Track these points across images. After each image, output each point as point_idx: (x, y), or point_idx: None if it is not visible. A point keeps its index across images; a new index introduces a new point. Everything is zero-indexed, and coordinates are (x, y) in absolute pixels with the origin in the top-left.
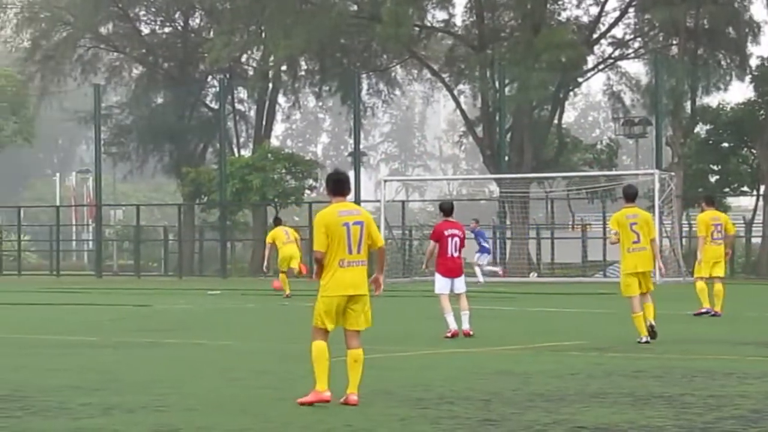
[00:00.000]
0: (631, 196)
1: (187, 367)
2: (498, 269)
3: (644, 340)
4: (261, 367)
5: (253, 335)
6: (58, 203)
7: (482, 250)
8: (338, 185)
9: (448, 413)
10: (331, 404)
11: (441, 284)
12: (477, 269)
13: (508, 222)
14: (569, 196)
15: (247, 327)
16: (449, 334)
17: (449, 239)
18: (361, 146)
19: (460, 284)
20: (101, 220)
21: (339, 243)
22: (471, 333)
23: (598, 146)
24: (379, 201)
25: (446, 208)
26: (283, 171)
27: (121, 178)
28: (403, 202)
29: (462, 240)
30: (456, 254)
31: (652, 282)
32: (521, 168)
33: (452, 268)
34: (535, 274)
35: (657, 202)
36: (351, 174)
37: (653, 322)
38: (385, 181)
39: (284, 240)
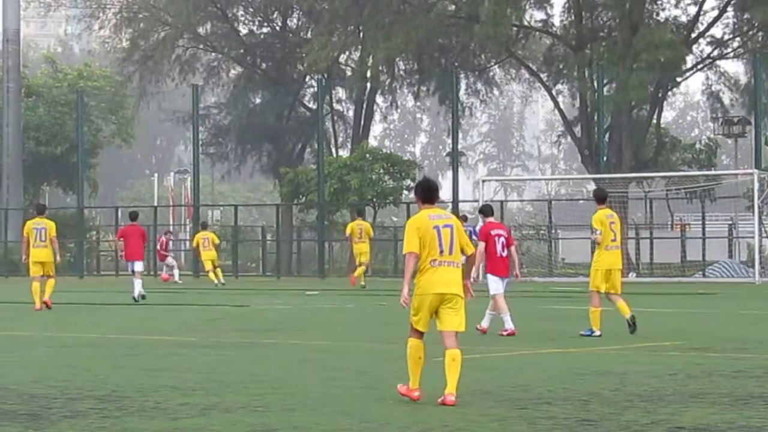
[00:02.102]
0: (602, 198)
1: (284, 367)
2: None
3: (597, 333)
4: (358, 367)
5: (351, 335)
6: (156, 203)
7: None
8: (428, 193)
9: (546, 414)
10: (429, 404)
11: (495, 284)
12: None
13: None
14: (668, 196)
15: (344, 327)
16: (506, 333)
17: (496, 239)
18: (460, 146)
19: (505, 285)
20: (199, 221)
21: (431, 244)
22: (486, 331)
23: (697, 146)
24: (477, 201)
25: (487, 210)
26: (381, 171)
27: (219, 178)
28: (501, 202)
29: (508, 239)
30: (504, 253)
31: (621, 282)
32: (620, 168)
33: (503, 267)
34: (634, 274)
35: (756, 202)
36: (449, 174)
37: (633, 314)
38: (484, 181)
39: (356, 239)
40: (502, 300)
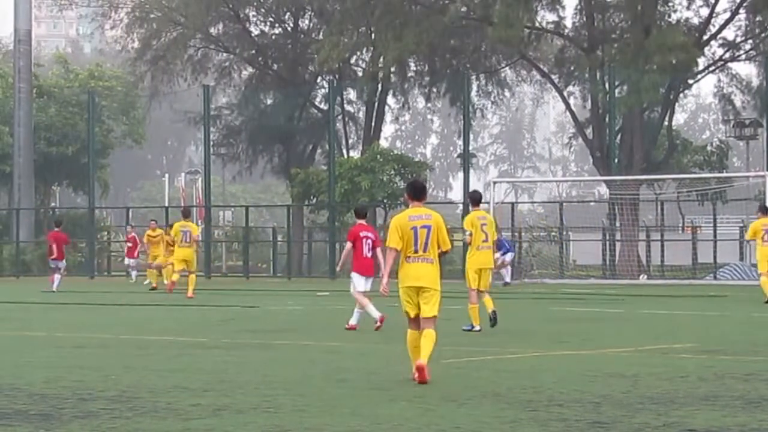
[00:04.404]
0: (476, 200)
1: (296, 368)
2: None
3: (477, 328)
4: (370, 368)
5: (362, 336)
6: (167, 204)
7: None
8: (417, 191)
9: (558, 416)
10: (441, 406)
11: (359, 282)
12: (504, 270)
13: (617, 224)
14: (679, 198)
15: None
16: (348, 327)
17: (363, 240)
18: (471, 148)
19: (368, 284)
20: (210, 221)
21: (408, 242)
22: (356, 328)
23: (709, 148)
24: (488, 203)
25: (361, 212)
26: (392, 172)
27: (230, 179)
28: (512, 203)
29: (375, 242)
30: (369, 254)
31: (489, 281)
32: (631, 170)
33: (368, 266)
34: (645, 276)
35: None
36: (460, 175)
37: (495, 309)
38: (495, 182)
39: None
40: (362, 296)
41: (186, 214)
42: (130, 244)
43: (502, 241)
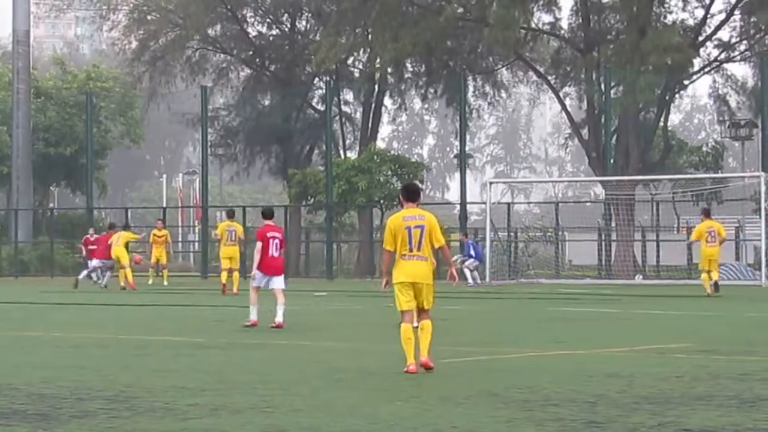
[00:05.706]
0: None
1: (293, 368)
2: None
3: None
4: (367, 368)
5: (359, 336)
6: (164, 204)
7: (475, 256)
8: (410, 194)
9: (554, 415)
10: (438, 406)
11: (257, 279)
12: (467, 272)
13: (613, 224)
14: (675, 199)
15: (353, 328)
16: (249, 324)
17: (270, 240)
18: (467, 148)
19: (279, 282)
20: (207, 222)
21: (402, 242)
22: (283, 325)
23: (704, 149)
24: (484, 203)
25: (268, 213)
26: (389, 173)
27: (227, 179)
28: (508, 204)
29: (282, 241)
30: (276, 254)
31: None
32: (627, 170)
33: (273, 266)
34: (641, 276)
35: (763, 205)
36: (457, 176)
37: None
38: (491, 183)
39: None
40: (255, 294)
41: (231, 215)
42: (94, 247)
43: (469, 245)
